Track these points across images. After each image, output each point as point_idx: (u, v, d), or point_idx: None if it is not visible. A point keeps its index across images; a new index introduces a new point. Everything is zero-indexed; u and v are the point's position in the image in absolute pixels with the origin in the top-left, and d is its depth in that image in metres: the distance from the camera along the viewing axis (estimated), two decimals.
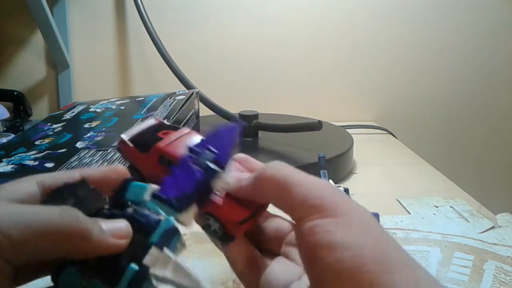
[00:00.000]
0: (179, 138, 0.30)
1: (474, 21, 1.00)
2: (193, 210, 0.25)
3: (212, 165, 0.26)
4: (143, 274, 0.22)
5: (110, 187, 0.25)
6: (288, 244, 0.29)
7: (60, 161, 0.49)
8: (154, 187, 0.25)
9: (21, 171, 0.49)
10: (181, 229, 0.25)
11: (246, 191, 0.27)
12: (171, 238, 0.24)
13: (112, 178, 0.25)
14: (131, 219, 0.23)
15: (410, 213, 0.55)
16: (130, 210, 0.24)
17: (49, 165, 0.49)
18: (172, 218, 0.24)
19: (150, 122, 0.33)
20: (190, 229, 0.42)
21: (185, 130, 0.31)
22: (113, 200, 0.25)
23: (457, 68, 1.02)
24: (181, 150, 0.29)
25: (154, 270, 0.22)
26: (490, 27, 1.00)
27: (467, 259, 0.44)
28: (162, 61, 0.79)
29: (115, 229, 0.22)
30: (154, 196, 0.25)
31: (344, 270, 0.20)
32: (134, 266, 0.22)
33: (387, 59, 1.01)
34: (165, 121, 0.33)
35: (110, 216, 0.23)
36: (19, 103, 0.89)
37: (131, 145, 0.30)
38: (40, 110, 0.97)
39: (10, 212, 0.19)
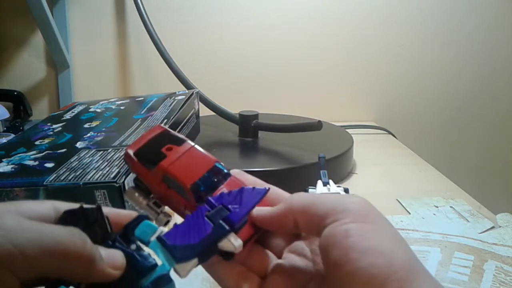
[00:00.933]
0: (182, 156, 0.30)
1: (474, 21, 1.00)
2: (193, 262, 0.25)
3: (224, 224, 0.26)
4: None
5: (121, 226, 0.26)
6: (292, 252, 0.29)
7: (60, 161, 0.49)
8: (163, 230, 0.26)
9: (21, 171, 0.49)
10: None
11: (274, 220, 0.27)
12: (163, 285, 0.24)
13: (125, 222, 0.26)
14: (130, 255, 0.24)
15: (410, 213, 0.55)
16: (133, 246, 0.25)
17: (49, 165, 0.49)
18: (169, 266, 0.24)
19: (155, 131, 0.32)
20: None
21: (188, 144, 0.31)
22: (122, 232, 0.25)
23: (457, 68, 1.02)
24: (184, 170, 0.29)
25: None
26: (491, 27, 1.00)
27: (467, 259, 0.44)
28: (162, 61, 0.79)
29: (111, 259, 0.23)
30: (159, 238, 0.25)
31: (375, 275, 0.21)
32: None
33: (387, 59, 1.01)
34: (170, 129, 0.33)
35: (113, 248, 0.24)
36: (19, 103, 0.89)
37: (135, 159, 0.30)
38: (40, 110, 0.97)
39: (24, 228, 0.20)
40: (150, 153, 0.30)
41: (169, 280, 0.24)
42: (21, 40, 0.94)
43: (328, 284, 0.25)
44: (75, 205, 0.25)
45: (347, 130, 0.81)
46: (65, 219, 0.24)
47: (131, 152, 0.31)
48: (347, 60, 1.00)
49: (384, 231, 0.23)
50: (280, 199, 0.29)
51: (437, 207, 0.56)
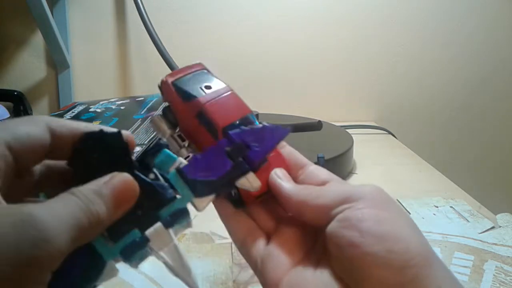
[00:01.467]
0: (221, 97, 0.30)
1: (474, 21, 1.00)
2: (210, 197, 0.25)
3: (244, 163, 0.26)
4: (142, 244, 0.22)
5: (133, 148, 0.25)
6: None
7: None
8: (182, 161, 0.25)
9: None
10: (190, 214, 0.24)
11: (281, 198, 0.27)
12: (180, 218, 0.23)
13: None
14: (149, 186, 0.23)
15: (410, 213, 0.55)
16: (152, 176, 0.24)
17: None
18: (187, 199, 0.24)
19: (196, 67, 0.32)
20: (191, 229, 0.42)
21: (227, 88, 0.31)
22: (140, 158, 0.25)
23: (457, 68, 1.02)
24: (219, 111, 0.28)
25: (152, 244, 0.22)
26: (491, 27, 1.00)
27: (467, 259, 0.44)
28: (162, 61, 0.79)
29: (120, 194, 0.21)
30: (179, 170, 0.24)
31: (392, 260, 0.21)
32: (137, 232, 0.22)
33: (387, 59, 1.01)
34: (210, 70, 0.32)
35: (132, 175, 0.23)
36: (19, 103, 0.89)
37: (173, 89, 0.30)
38: (40, 110, 0.97)
39: (56, 217, 0.18)
40: (189, 86, 0.30)
41: (187, 214, 0.24)
42: (21, 40, 0.94)
43: (334, 264, 0.24)
44: (68, 124, 0.23)
45: (347, 130, 0.81)
46: (85, 141, 0.23)
47: (170, 80, 0.30)
48: (347, 60, 1.01)
49: (400, 218, 0.23)
50: (299, 164, 0.30)
51: (437, 207, 0.56)
